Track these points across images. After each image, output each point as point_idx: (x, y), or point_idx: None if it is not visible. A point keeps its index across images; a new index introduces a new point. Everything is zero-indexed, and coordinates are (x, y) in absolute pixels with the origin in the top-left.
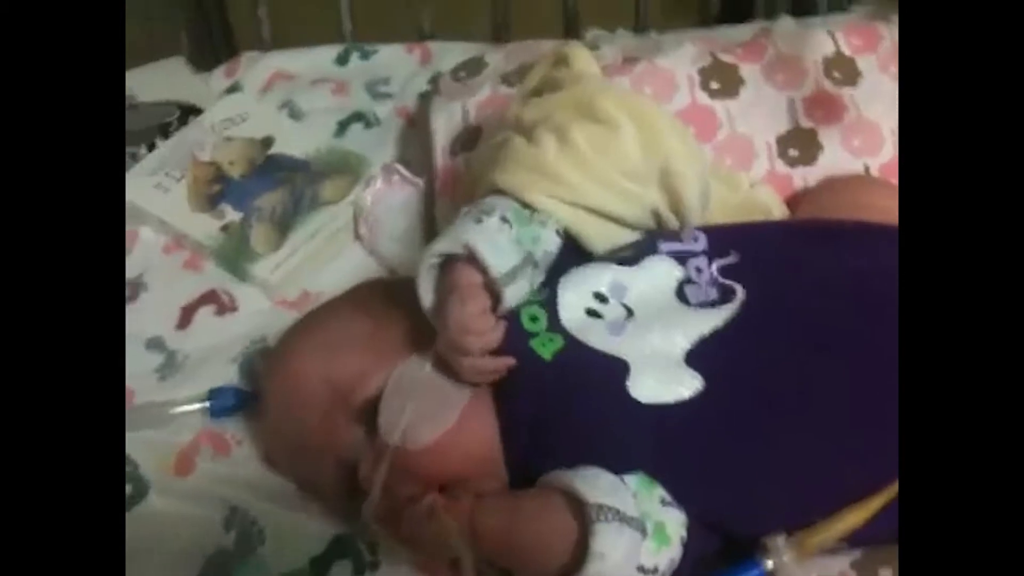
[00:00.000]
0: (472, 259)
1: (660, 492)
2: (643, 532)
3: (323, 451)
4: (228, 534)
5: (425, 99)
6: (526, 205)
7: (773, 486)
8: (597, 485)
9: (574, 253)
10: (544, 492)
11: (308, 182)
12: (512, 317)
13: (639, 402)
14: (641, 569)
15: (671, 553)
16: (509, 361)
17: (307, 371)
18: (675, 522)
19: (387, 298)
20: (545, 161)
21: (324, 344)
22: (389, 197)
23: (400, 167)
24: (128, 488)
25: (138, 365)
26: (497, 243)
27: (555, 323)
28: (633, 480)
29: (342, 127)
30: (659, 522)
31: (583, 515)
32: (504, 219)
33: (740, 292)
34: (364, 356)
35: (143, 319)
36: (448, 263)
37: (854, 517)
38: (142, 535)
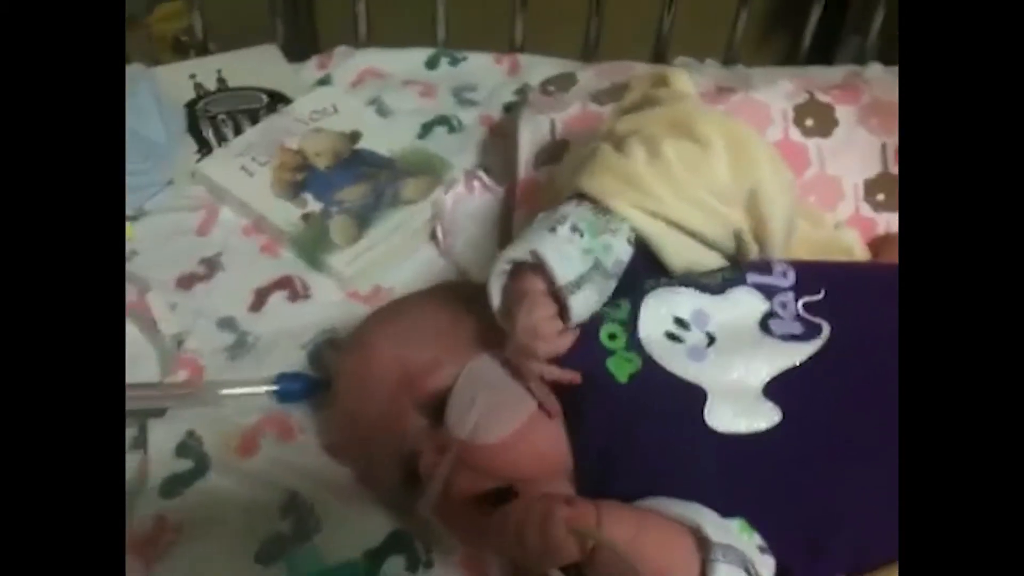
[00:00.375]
0: (539, 267)
1: (758, 539)
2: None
3: (387, 435)
4: (285, 519)
5: (512, 109)
6: (604, 212)
7: (838, 527)
8: (720, 525)
9: (651, 268)
10: (664, 520)
11: (390, 179)
12: (590, 333)
13: (715, 431)
14: None
15: None
16: (574, 376)
17: (382, 353)
18: (768, 570)
19: (466, 298)
20: (633, 170)
21: (402, 330)
22: (468, 202)
23: (482, 173)
24: (190, 463)
25: (209, 343)
26: (565, 252)
27: (634, 343)
28: (735, 524)
29: (426, 129)
30: (759, 569)
31: (705, 550)
32: (575, 228)
33: (826, 329)
34: (439, 347)
35: (217, 298)
36: (517, 269)
37: None
38: (199, 511)
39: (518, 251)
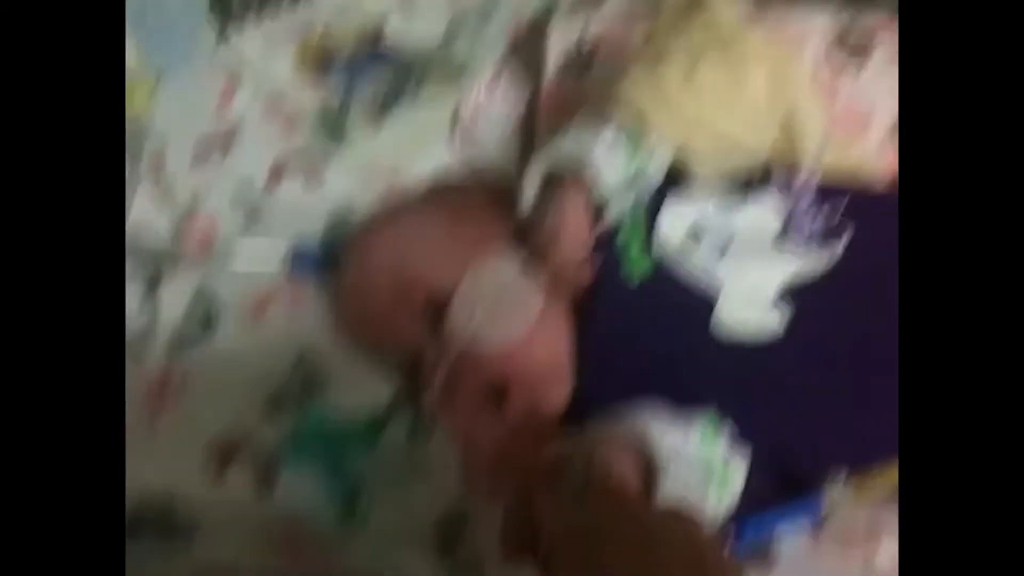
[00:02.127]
0: (581, 171)
1: (725, 436)
2: (708, 476)
3: (390, 341)
4: (294, 376)
5: (542, 15)
6: (639, 121)
7: (842, 429)
8: (669, 431)
9: (678, 178)
10: (621, 456)
11: (413, 74)
12: (608, 234)
13: (722, 335)
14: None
15: (733, 493)
16: (591, 276)
17: (382, 259)
18: (738, 463)
19: (468, 196)
20: (668, 86)
21: (402, 234)
22: (491, 104)
23: (507, 75)
24: (199, 320)
25: (225, 212)
26: (609, 160)
27: (649, 246)
28: (701, 420)
29: (453, 26)
30: (723, 464)
31: (655, 475)
32: (618, 134)
33: (842, 243)
34: (439, 250)
35: (234, 170)
36: (557, 169)
37: None
38: (207, 366)
39: (559, 153)
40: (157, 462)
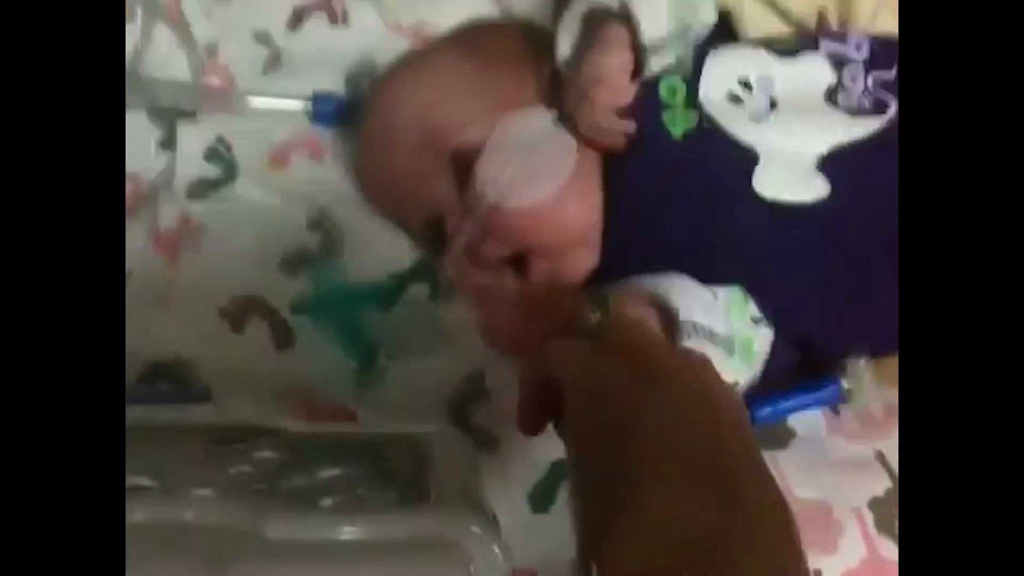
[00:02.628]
0: (626, 16)
1: (752, 309)
2: (729, 351)
3: (412, 197)
4: (313, 234)
5: None
6: None
7: (868, 308)
8: (692, 300)
9: (726, 33)
10: (639, 303)
11: None
12: (650, 85)
13: (760, 196)
14: None
15: (753, 369)
16: (630, 126)
17: (406, 111)
18: (762, 339)
19: (500, 43)
20: None
21: (428, 84)
22: None
23: None
24: (218, 168)
25: (243, 54)
26: (654, 6)
27: (693, 100)
28: (727, 294)
29: None
30: (747, 339)
31: (674, 330)
32: None
33: (893, 107)
34: (467, 102)
35: (253, 11)
36: (596, 14)
37: None
38: (226, 215)
39: None
40: (172, 318)
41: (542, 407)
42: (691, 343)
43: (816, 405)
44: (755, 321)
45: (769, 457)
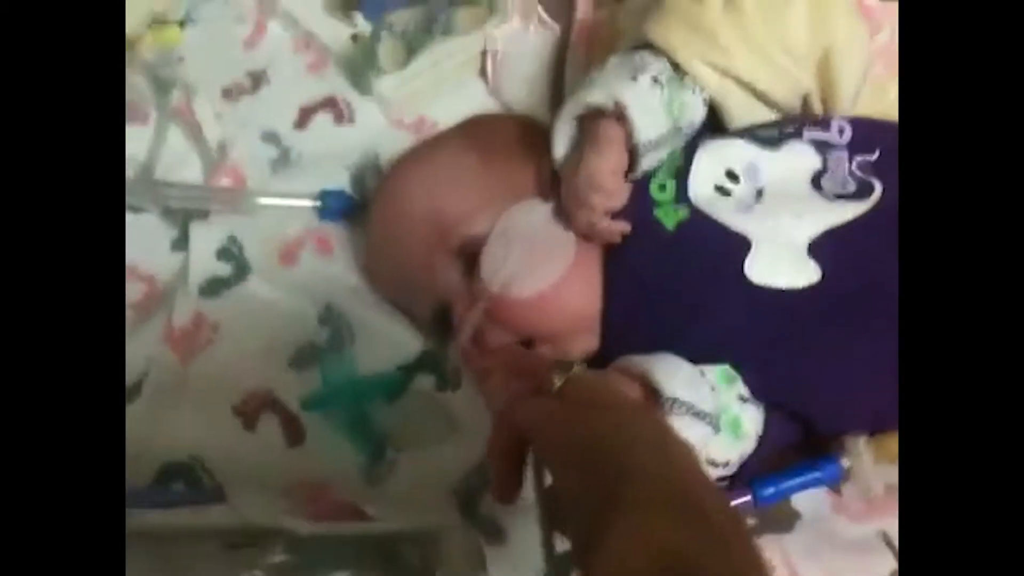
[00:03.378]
0: (620, 117)
1: (740, 387)
2: (715, 427)
3: (419, 287)
4: (321, 329)
5: None
6: (675, 66)
7: (866, 387)
8: (676, 376)
9: (713, 125)
10: (622, 379)
11: (444, 7)
12: (641, 184)
13: (752, 282)
14: (711, 463)
15: (743, 447)
16: (625, 227)
17: (412, 204)
18: (751, 417)
19: (501, 136)
20: (706, 20)
21: (432, 177)
22: (522, 38)
23: (539, 9)
24: (230, 267)
25: (253, 154)
26: (649, 107)
27: (683, 195)
28: (714, 373)
29: None
30: (734, 417)
31: (657, 406)
32: (656, 80)
33: (877, 190)
34: (471, 194)
35: (262, 111)
36: (591, 115)
37: None
38: (238, 314)
39: (598, 96)
40: (186, 418)
41: (515, 470)
42: (674, 419)
43: (818, 484)
44: (743, 399)
45: (775, 541)
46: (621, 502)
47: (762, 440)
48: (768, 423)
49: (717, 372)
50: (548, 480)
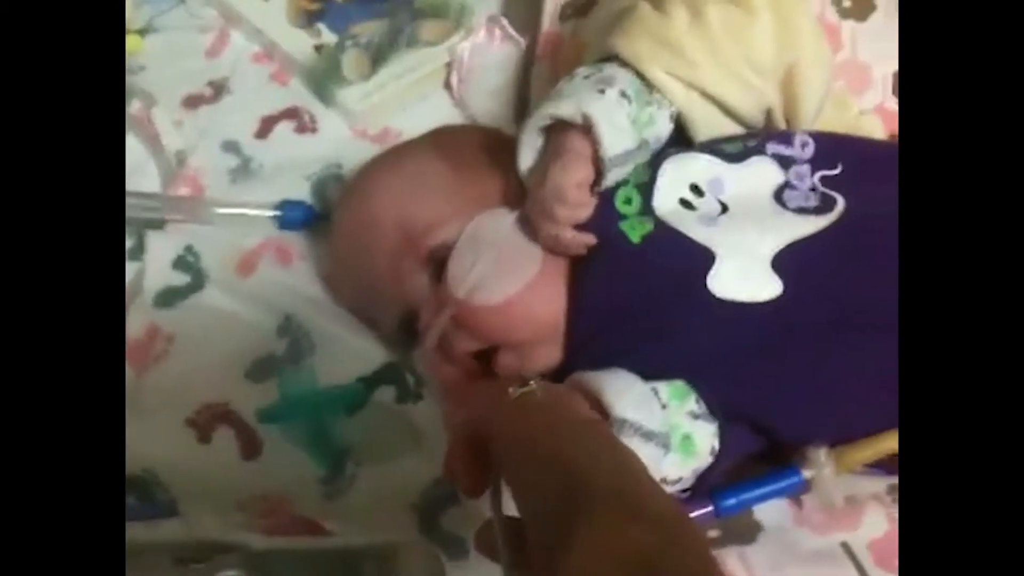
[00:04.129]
0: (587, 131)
1: (692, 404)
2: (666, 447)
3: (385, 294)
4: (280, 340)
5: None
6: (642, 79)
7: (827, 398)
8: (626, 396)
9: (679, 139)
10: (575, 395)
11: (409, 19)
12: (606, 197)
13: (715, 295)
14: (663, 481)
15: (697, 464)
16: (590, 240)
17: (380, 210)
18: (704, 433)
19: (469, 146)
20: (672, 33)
21: (400, 184)
22: (487, 50)
23: (504, 22)
24: (186, 277)
25: (212, 164)
26: (616, 122)
27: (648, 208)
28: (666, 390)
29: None
30: (685, 435)
31: (608, 425)
32: (624, 94)
33: (840, 203)
34: (438, 203)
35: (223, 121)
36: (558, 127)
37: (897, 440)
38: (193, 325)
39: (564, 109)
40: (139, 431)
41: (477, 465)
42: (624, 440)
43: (780, 495)
44: (695, 416)
45: (738, 553)
46: (583, 514)
47: (719, 455)
48: (727, 436)
49: (670, 389)
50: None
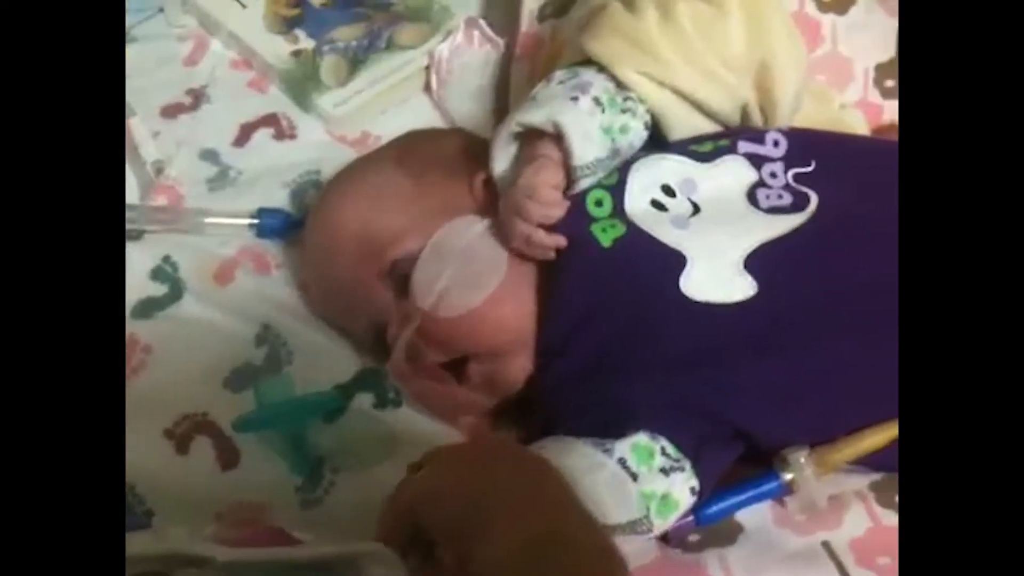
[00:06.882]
0: (559, 140)
1: (660, 459)
2: (649, 527)
3: (354, 307)
4: (258, 349)
5: None
6: (615, 80)
7: (805, 399)
8: (606, 500)
9: (651, 142)
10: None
11: (387, 23)
12: (577, 200)
13: (688, 298)
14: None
15: (681, 511)
16: (561, 241)
17: (343, 225)
18: (681, 484)
19: (436, 152)
20: (644, 33)
21: (363, 197)
22: (466, 53)
23: (483, 24)
24: (164, 287)
25: (190, 173)
26: (587, 131)
27: (619, 210)
28: (631, 457)
29: None
30: (663, 495)
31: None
32: (597, 101)
33: (813, 202)
34: (402, 214)
35: (201, 129)
36: (531, 134)
37: (877, 439)
38: (171, 335)
39: (536, 117)
40: None
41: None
42: (615, 537)
43: (761, 500)
44: (666, 472)
45: (718, 555)
46: (497, 515)
47: (700, 490)
48: (703, 467)
49: (635, 454)
50: None
